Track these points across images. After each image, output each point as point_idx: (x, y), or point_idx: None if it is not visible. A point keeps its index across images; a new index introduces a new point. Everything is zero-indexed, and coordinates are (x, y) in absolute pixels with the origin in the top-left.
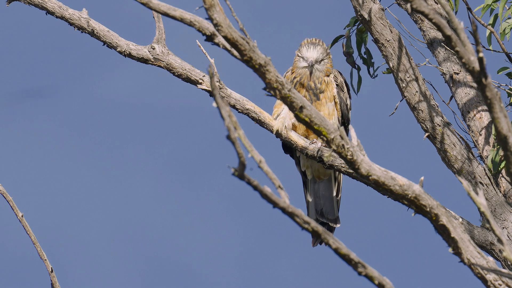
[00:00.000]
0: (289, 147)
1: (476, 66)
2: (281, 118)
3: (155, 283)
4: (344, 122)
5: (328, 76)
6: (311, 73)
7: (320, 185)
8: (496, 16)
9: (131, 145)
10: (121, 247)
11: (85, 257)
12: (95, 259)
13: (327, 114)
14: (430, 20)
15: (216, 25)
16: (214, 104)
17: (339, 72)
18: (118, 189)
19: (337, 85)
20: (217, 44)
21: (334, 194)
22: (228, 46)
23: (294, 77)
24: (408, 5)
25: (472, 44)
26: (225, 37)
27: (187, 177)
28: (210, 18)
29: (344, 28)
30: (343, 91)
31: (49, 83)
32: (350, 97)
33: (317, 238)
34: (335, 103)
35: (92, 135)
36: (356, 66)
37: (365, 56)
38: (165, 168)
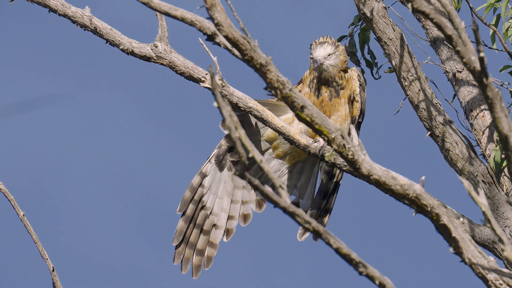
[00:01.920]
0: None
1: (477, 66)
2: (302, 124)
3: (148, 224)
4: (361, 122)
5: (345, 71)
6: (321, 71)
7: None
8: (499, 16)
9: (120, 83)
10: (114, 188)
11: (78, 199)
12: (88, 201)
13: (343, 114)
14: (431, 20)
15: (217, 25)
16: (215, 104)
17: (360, 71)
18: (111, 130)
19: (360, 84)
20: (218, 44)
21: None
22: (229, 45)
23: (313, 77)
24: (409, 5)
25: (473, 42)
26: (226, 37)
27: (178, 116)
28: (211, 18)
29: (348, 27)
30: (364, 91)
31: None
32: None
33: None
34: (355, 101)
35: (82, 76)
36: (360, 68)
37: (368, 58)
38: (155, 107)
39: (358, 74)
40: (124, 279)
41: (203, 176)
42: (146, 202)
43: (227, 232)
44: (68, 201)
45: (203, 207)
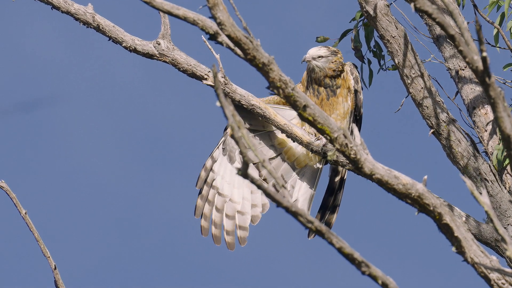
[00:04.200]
0: None
1: (480, 65)
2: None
3: (148, 151)
4: (357, 115)
5: (336, 72)
6: (309, 69)
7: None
8: (503, 14)
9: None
10: (114, 115)
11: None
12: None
13: (342, 113)
14: (433, 19)
15: (219, 24)
16: (218, 103)
17: (354, 66)
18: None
19: (353, 78)
20: (221, 43)
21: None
22: (231, 45)
23: (308, 76)
24: (412, 4)
25: (476, 40)
26: (229, 36)
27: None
28: (213, 17)
29: (350, 22)
30: (358, 84)
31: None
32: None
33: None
34: (350, 93)
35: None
36: (366, 59)
37: (374, 49)
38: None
39: (351, 69)
40: (123, 203)
41: (214, 161)
42: (145, 129)
43: (253, 218)
44: (73, 129)
45: (218, 193)
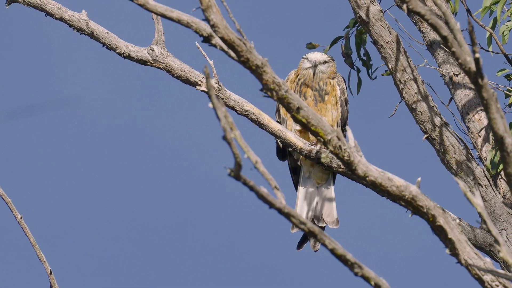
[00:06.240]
0: (283, 154)
1: (473, 66)
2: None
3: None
4: (342, 124)
5: (333, 79)
6: (314, 73)
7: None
8: (495, 19)
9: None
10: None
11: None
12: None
13: (330, 120)
14: (426, 20)
15: (213, 26)
16: (210, 105)
17: (343, 78)
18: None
19: (340, 88)
20: (214, 45)
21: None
22: (225, 47)
23: (299, 78)
24: (404, 6)
25: (469, 44)
26: (222, 38)
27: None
28: (207, 19)
29: (344, 29)
30: (344, 95)
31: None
32: (347, 102)
33: (304, 239)
34: (337, 103)
35: None
36: (355, 67)
37: (364, 58)
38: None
39: (338, 80)
40: (121, 213)
41: None
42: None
43: None
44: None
45: None
